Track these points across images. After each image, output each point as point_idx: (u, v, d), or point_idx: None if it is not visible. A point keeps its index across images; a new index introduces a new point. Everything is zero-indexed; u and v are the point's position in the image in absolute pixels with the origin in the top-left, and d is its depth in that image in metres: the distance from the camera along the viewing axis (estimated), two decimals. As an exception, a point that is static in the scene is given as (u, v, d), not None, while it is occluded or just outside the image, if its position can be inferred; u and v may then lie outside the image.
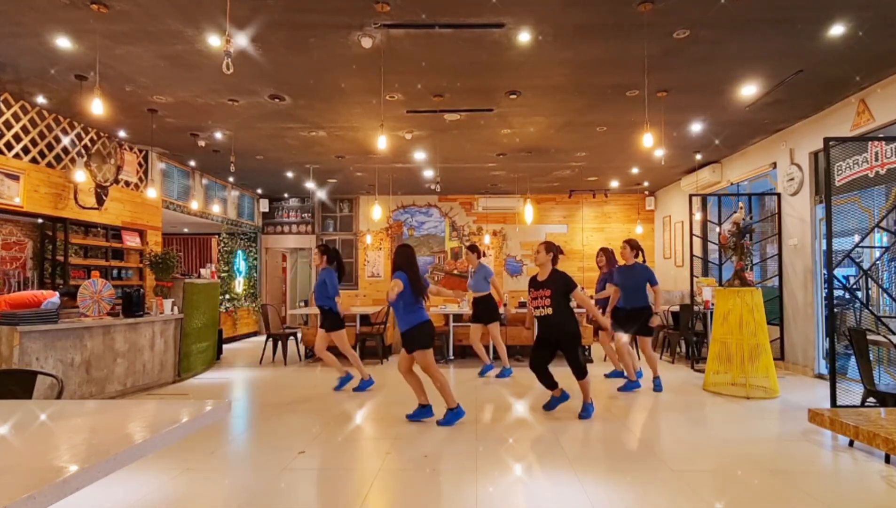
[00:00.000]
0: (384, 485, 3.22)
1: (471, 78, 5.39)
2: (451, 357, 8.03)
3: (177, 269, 7.74)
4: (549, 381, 4.86)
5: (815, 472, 3.50)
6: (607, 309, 6.17)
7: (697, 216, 8.38)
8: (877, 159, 5.48)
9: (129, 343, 5.83)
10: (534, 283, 4.80)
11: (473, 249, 7.04)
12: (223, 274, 10.57)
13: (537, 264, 4.82)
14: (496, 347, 6.89)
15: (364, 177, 10.24)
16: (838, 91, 5.77)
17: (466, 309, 8.00)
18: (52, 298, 5.48)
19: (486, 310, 6.78)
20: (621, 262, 6.12)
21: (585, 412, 4.71)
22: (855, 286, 5.59)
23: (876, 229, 5.44)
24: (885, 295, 5.51)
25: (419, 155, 8.53)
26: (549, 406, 4.95)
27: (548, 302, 4.60)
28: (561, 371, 5.03)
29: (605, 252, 6.76)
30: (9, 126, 5.85)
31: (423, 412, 4.62)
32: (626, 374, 5.98)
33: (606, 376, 6.66)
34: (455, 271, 12.11)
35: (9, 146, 5.85)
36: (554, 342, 4.72)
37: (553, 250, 4.78)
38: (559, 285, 4.65)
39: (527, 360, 7.85)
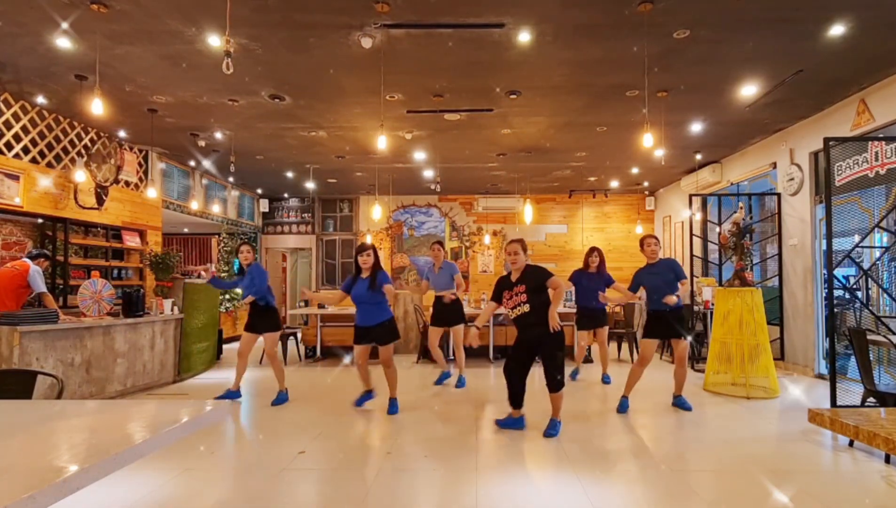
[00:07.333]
0: (384, 485, 3.22)
1: (471, 78, 5.39)
2: (451, 357, 8.02)
3: (177, 269, 7.74)
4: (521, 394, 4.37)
5: (815, 472, 3.49)
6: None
7: (697, 216, 8.38)
8: (877, 159, 5.48)
9: (129, 343, 5.83)
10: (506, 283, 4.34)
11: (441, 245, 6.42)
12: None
13: (516, 266, 4.31)
14: (456, 351, 6.29)
15: (364, 177, 10.24)
16: (838, 91, 5.77)
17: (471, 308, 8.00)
18: (33, 266, 5.34)
19: (452, 311, 6.17)
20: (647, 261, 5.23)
21: (553, 429, 4.23)
22: (855, 286, 5.59)
23: (876, 229, 5.43)
24: (885, 295, 5.51)
25: (419, 155, 8.53)
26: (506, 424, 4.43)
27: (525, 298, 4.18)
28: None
29: (599, 253, 6.44)
30: (9, 126, 5.85)
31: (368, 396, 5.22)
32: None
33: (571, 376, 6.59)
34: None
35: (9, 146, 5.86)
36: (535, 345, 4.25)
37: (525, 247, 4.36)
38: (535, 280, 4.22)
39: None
